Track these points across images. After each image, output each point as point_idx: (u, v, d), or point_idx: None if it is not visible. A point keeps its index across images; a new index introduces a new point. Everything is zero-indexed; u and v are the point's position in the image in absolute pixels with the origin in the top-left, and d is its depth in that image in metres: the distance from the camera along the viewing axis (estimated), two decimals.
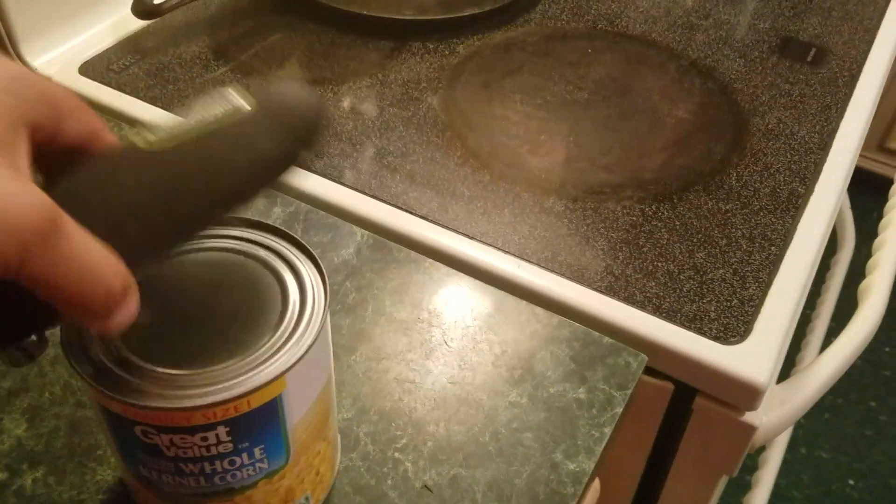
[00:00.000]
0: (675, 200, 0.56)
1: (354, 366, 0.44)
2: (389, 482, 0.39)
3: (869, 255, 0.62)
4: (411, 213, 0.54)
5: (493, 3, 0.74)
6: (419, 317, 0.46)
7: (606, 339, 0.46)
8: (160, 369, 0.28)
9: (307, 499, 0.35)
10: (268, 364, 0.28)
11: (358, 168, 0.57)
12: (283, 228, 0.33)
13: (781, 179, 0.58)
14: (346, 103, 0.64)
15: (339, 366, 0.43)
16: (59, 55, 0.67)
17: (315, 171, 0.57)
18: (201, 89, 0.64)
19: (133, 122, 0.61)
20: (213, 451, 0.29)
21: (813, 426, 1.34)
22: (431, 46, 0.71)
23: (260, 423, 0.29)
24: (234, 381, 0.28)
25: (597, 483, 0.47)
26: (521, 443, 0.41)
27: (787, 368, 0.55)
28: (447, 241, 0.52)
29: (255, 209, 0.52)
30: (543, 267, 0.51)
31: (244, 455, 0.30)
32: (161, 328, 0.29)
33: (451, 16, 0.73)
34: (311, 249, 0.32)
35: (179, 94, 0.63)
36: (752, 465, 0.98)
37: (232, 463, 0.30)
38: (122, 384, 0.27)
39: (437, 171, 0.57)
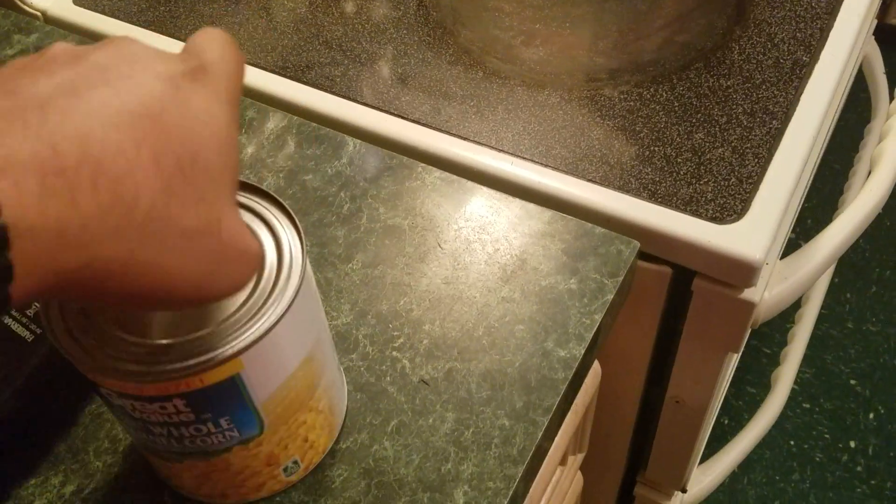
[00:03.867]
0: (675, 81, 0.55)
1: (351, 273, 0.45)
2: (388, 379, 0.41)
3: None
4: (404, 118, 0.54)
5: None
6: (413, 222, 0.47)
7: (599, 230, 0.46)
8: (127, 337, 0.27)
9: (296, 462, 0.35)
10: (227, 341, 0.27)
11: (348, 76, 0.57)
12: (254, 184, 0.31)
13: (785, 49, 0.56)
14: (335, 9, 0.63)
15: (337, 274, 0.45)
16: None
17: (306, 83, 0.57)
18: (192, 9, 0.64)
19: None
20: (175, 419, 0.28)
21: (859, 300, 1.31)
22: None
23: (219, 398, 0.28)
24: (191, 359, 0.27)
25: (596, 365, 0.49)
26: (513, 335, 0.42)
27: None
28: (439, 143, 0.52)
29: (249, 126, 0.53)
30: (537, 162, 0.51)
31: (209, 424, 0.29)
32: None
33: None
34: (285, 204, 0.31)
35: (171, 16, 0.63)
36: (782, 340, 0.98)
37: (198, 430, 0.29)
38: (82, 347, 0.27)
39: (428, 71, 0.57)
